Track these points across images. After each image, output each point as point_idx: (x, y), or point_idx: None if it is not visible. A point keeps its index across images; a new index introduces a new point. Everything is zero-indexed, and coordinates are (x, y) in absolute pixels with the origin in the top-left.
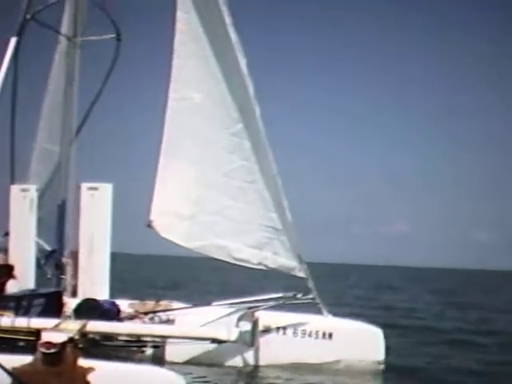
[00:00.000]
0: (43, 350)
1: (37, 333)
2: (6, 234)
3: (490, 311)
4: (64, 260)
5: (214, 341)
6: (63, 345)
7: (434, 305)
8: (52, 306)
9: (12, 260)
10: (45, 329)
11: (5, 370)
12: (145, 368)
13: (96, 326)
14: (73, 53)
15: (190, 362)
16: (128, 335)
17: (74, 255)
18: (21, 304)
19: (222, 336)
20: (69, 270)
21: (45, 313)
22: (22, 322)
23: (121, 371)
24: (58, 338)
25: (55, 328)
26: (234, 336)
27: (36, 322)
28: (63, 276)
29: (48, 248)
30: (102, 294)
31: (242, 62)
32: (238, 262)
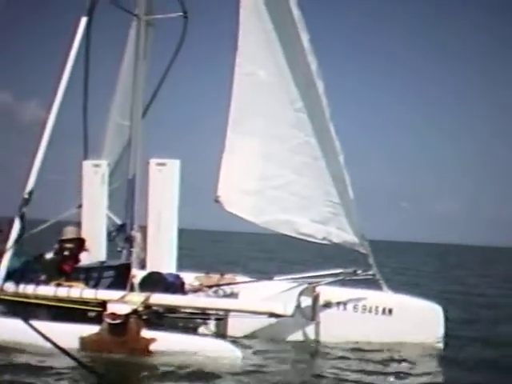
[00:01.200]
0: (108, 320)
1: (103, 304)
2: (80, 207)
3: None
4: (133, 234)
5: (271, 315)
6: (127, 316)
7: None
8: (121, 278)
9: (84, 233)
10: (110, 300)
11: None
12: (204, 339)
13: (159, 298)
14: (141, 30)
15: (252, 336)
16: (190, 308)
17: (143, 229)
18: (91, 275)
19: (278, 310)
20: (138, 243)
21: (114, 284)
22: (89, 294)
23: (181, 342)
24: (123, 309)
25: (120, 300)
26: (290, 311)
27: (102, 294)
28: (132, 249)
29: (119, 222)
30: (170, 267)
31: (305, 39)
32: (303, 237)
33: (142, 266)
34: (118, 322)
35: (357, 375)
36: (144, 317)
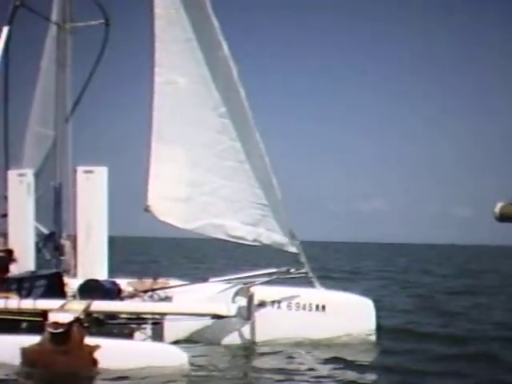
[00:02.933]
0: (51, 329)
1: (42, 314)
2: (3, 216)
3: None
4: (62, 242)
5: (214, 316)
6: (70, 324)
7: None
8: (53, 287)
9: (11, 243)
10: (51, 310)
11: None
12: (149, 344)
13: (100, 305)
14: (63, 39)
15: (188, 339)
16: (131, 313)
17: (73, 237)
18: (23, 285)
19: (222, 311)
20: (67, 251)
21: (46, 294)
22: (28, 304)
23: (126, 348)
24: (65, 318)
25: (61, 309)
26: (233, 311)
27: (41, 303)
28: (62, 258)
29: (45, 231)
30: (101, 274)
31: (224, 45)
32: (234, 240)
33: (73, 274)
34: (60, 330)
35: (295, 372)
36: (85, 324)
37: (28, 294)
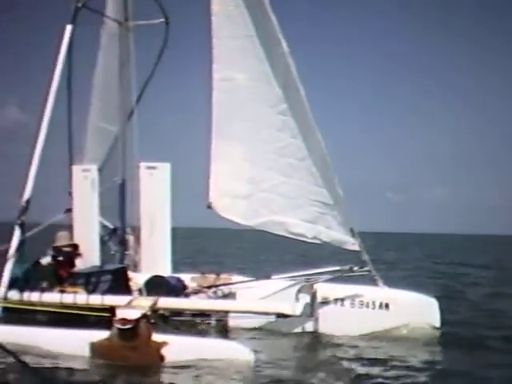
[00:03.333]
0: (119, 326)
1: (110, 309)
2: (68, 211)
3: None
4: (127, 237)
5: (279, 315)
6: (137, 321)
7: None
8: (118, 282)
9: (76, 238)
10: (118, 306)
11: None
12: (216, 342)
13: (167, 302)
14: (125, 36)
15: (253, 335)
16: (196, 311)
17: (137, 232)
18: (90, 280)
19: (287, 311)
20: (132, 246)
21: (112, 288)
22: (96, 300)
23: (193, 345)
24: (133, 314)
25: (128, 305)
26: (298, 311)
27: (109, 299)
28: (127, 252)
29: (110, 226)
30: (165, 269)
31: (283, 42)
32: (295, 237)
33: (136, 268)
34: (128, 327)
35: (358, 368)
36: (152, 320)
37: (94, 289)
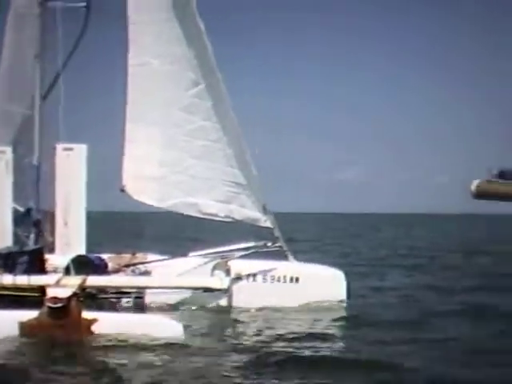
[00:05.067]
0: (50, 304)
1: (40, 289)
2: None
3: None
4: (41, 218)
5: (206, 290)
6: (68, 299)
7: None
8: (35, 263)
9: None
10: (47, 285)
11: None
12: (145, 317)
13: (95, 280)
14: (42, 18)
15: (169, 310)
16: (124, 288)
17: (51, 214)
18: (7, 262)
19: (215, 285)
20: (46, 227)
21: (29, 269)
22: (22, 280)
23: (122, 320)
24: (64, 292)
25: (58, 284)
26: (226, 284)
27: (37, 279)
28: (41, 234)
29: (20, 208)
30: (79, 249)
31: (199, 24)
32: (207, 217)
33: (51, 249)
34: (59, 305)
35: (272, 338)
36: (81, 299)
37: (11, 270)
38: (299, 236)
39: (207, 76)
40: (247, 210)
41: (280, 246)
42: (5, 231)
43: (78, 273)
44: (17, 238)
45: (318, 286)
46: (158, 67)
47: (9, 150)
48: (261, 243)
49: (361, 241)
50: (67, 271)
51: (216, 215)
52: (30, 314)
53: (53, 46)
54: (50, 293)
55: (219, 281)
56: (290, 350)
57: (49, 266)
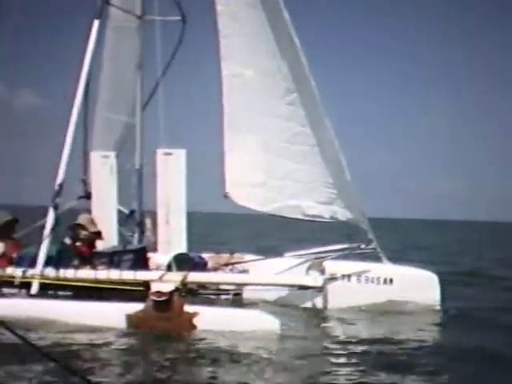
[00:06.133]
0: (154, 298)
1: (144, 284)
2: (81, 197)
3: None
4: (144, 219)
5: (301, 287)
6: (171, 293)
7: None
8: (139, 260)
9: (96, 221)
10: (152, 280)
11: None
12: (244, 311)
13: (196, 276)
14: (142, 30)
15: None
16: (223, 284)
17: (153, 215)
18: (113, 259)
19: (310, 283)
20: (149, 228)
21: (133, 266)
22: (129, 275)
23: (222, 314)
24: (167, 287)
25: (161, 279)
26: (320, 282)
27: (142, 274)
28: (144, 234)
29: (124, 210)
30: (180, 249)
31: (294, 35)
32: (311, 219)
33: (153, 249)
34: (163, 299)
35: (363, 340)
36: (183, 293)
37: (117, 267)
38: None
39: (301, 85)
40: (349, 212)
41: (374, 248)
42: (111, 231)
43: (179, 269)
44: (122, 238)
45: (412, 287)
46: (251, 77)
47: (113, 154)
48: (355, 245)
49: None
50: (169, 268)
51: (320, 217)
52: (136, 307)
53: (151, 57)
54: (154, 287)
55: (313, 279)
56: (386, 351)
57: (152, 263)
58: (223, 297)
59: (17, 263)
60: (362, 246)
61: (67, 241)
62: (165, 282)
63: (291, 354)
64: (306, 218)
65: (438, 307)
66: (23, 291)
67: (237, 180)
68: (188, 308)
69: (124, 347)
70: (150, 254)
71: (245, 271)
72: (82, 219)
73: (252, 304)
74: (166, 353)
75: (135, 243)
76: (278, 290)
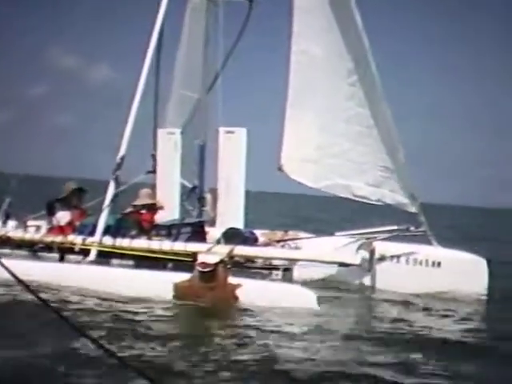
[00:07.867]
0: (200, 268)
1: (193, 255)
2: (149, 172)
3: None
4: (204, 195)
5: (340, 264)
6: (216, 265)
7: None
8: (197, 234)
9: (159, 195)
10: (200, 252)
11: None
12: (284, 285)
13: (242, 250)
14: (211, 10)
15: (314, 283)
16: (267, 258)
17: (214, 191)
18: (171, 232)
19: (348, 260)
20: (209, 203)
21: (191, 239)
22: (180, 246)
23: (263, 287)
24: (212, 259)
25: (208, 251)
26: (358, 260)
27: (191, 246)
28: (204, 209)
29: (188, 185)
30: (237, 225)
31: (357, 17)
32: (359, 199)
33: (212, 223)
34: (208, 270)
35: (408, 319)
36: (228, 266)
37: (175, 240)
38: None
39: (363, 67)
40: (397, 195)
41: (424, 231)
42: (173, 205)
43: (227, 243)
44: (183, 211)
45: (459, 271)
46: (318, 55)
47: (178, 131)
48: (404, 227)
49: None
50: (219, 241)
51: (368, 198)
52: (184, 277)
53: (217, 37)
54: (201, 258)
55: (351, 256)
56: (432, 335)
57: (209, 237)
58: (274, 273)
59: (79, 231)
60: (412, 229)
61: (127, 211)
62: (212, 253)
63: (332, 333)
64: (354, 198)
65: (485, 292)
66: (82, 258)
67: (292, 154)
68: (232, 280)
69: (168, 319)
70: (207, 229)
71: (296, 248)
72: (142, 194)
73: (300, 282)
74: (206, 328)
75: (194, 217)
76: (327, 268)
